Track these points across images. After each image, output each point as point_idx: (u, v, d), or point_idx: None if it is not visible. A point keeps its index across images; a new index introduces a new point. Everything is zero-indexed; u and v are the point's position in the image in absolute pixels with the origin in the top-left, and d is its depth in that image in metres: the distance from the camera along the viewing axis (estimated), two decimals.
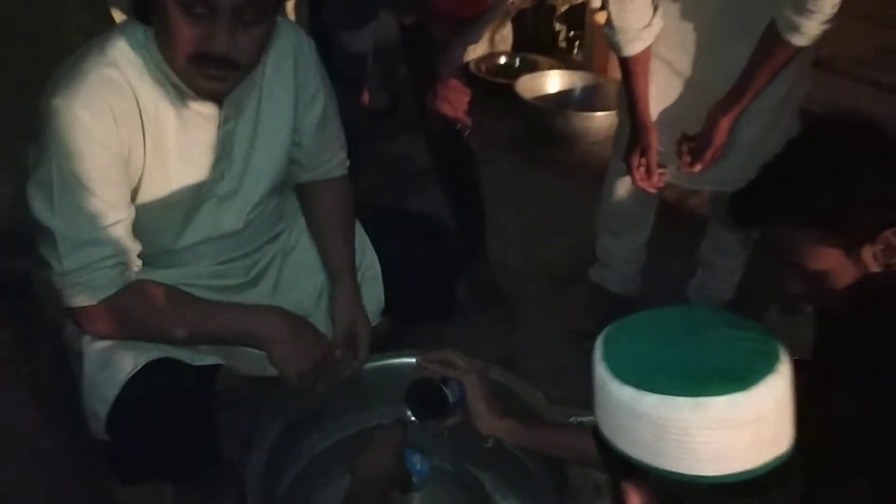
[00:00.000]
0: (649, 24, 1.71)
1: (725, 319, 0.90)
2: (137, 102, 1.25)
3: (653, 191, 1.90)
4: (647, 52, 1.77)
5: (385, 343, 1.70)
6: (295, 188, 1.60)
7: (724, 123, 1.73)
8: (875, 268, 1.18)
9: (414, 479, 1.39)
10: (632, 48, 1.74)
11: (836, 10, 1.54)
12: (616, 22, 1.72)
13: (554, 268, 2.39)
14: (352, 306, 1.52)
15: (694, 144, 1.78)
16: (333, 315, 1.52)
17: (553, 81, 3.34)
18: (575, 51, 3.80)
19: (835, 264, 1.19)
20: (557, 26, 3.86)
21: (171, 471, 1.38)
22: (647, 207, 2.07)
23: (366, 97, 2.23)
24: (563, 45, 3.88)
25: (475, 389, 1.36)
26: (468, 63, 3.37)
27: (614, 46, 1.77)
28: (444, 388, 1.35)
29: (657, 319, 0.91)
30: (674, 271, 2.25)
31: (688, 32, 1.73)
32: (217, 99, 1.31)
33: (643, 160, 1.85)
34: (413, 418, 1.40)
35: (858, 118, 1.23)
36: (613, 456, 0.87)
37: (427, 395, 1.37)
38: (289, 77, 1.41)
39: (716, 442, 0.80)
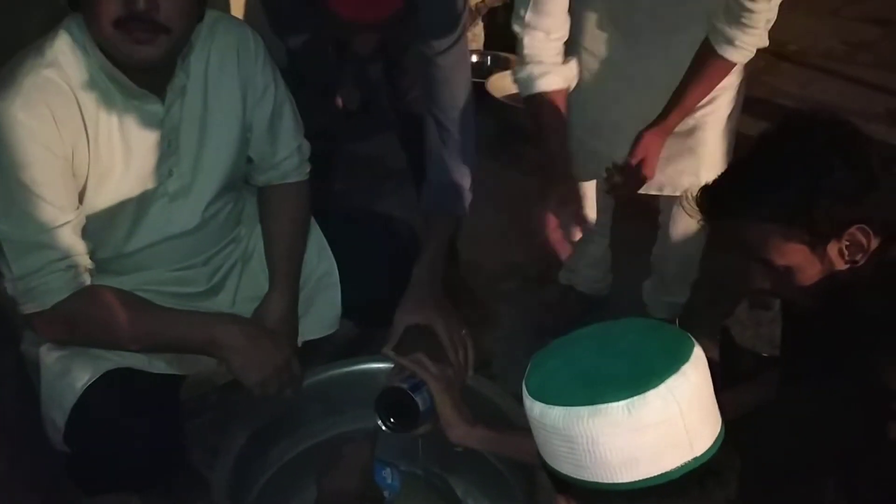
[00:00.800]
0: (564, 62, 1.61)
1: (642, 327, 0.90)
2: (78, 102, 1.24)
3: (566, 252, 1.61)
4: (563, 93, 1.62)
5: (353, 349, 1.68)
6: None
7: (654, 144, 1.64)
8: (840, 265, 1.19)
9: (385, 493, 1.37)
10: (545, 83, 1.59)
11: (769, 24, 1.51)
12: (526, 49, 1.59)
13: (526, 267, 2.38)
14: (276, 319, 1.48)
15: (622, 170, 1.65)
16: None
17: None
18: None
19: (800, 260, 1.19)
20: None
21: (133, 480, 1.36)
22: (603, 213, 2.04)
23: (339, 100, 2.20)
24: None
25: (445, 397, 1.35)
26: None
27: (521, 82, 1.63)
28: (414, 396, 1.34)
29: (580, 337, 0.92)
30: (643, 266, 2.25)
31: (621, 28, 1.68)
32: (151, 66, 1.28)
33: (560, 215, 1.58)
34: (383, 427, 1.38)
35: (828, 113, 1.23)
36: (546, 470, 0.88)
37: (397, 404, 1.36)
38: (233, 73, 1.41)
39: (622, 448, 0.80)
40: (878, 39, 4.15)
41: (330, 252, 1.61)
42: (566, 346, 0.90)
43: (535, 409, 0.84)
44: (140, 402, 1.27)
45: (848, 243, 1.16)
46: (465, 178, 1.64)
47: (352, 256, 1.61)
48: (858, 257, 1.17)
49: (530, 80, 1.60)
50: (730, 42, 1.52)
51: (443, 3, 1.55)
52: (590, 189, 2.01)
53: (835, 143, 1.17)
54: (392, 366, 1.46)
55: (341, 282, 1.61)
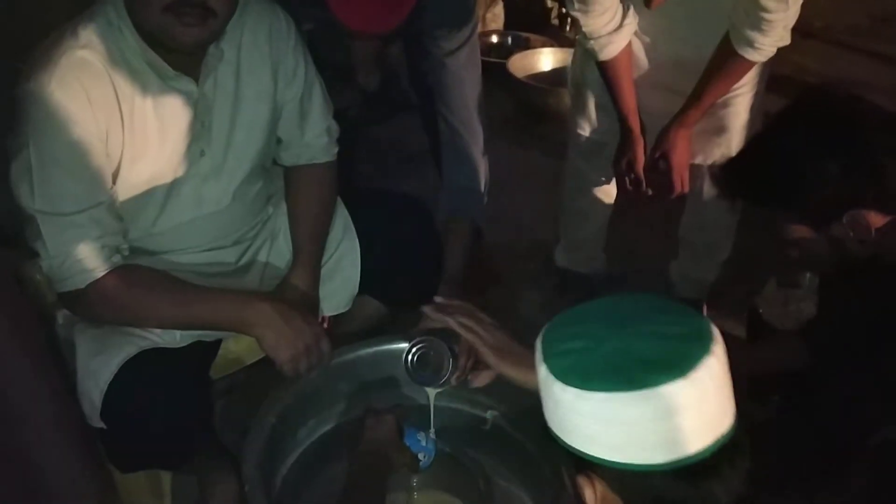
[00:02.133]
0: (620, 27, 1.68)
1: (652, 306, 0.90)
2: (112, 83, 1.25)
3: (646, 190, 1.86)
4: (625, 56, 1.73)
5: (379, 328, 1.69)
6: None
7: (681, 142, 1.73)
8: (852, 243, 1.20)
9: (421, 456, 1.39)
10: (606, 52, 1.71)
11: (788, 29, 1.56)
12: (584, 27, 1.69)
13: (548, 246, 2.38)
14: (298, 296, 1.50)
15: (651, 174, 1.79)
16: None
17: (545, 59, 3.32)
18: (567, 28, 3.77)
19: (807, 237, 1.24)
20: (549, 3, 3.84)
21: (166, 457, 1.38)
22: (610, 183, 2.05)
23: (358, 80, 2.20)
24: (555, 22, 3.85)
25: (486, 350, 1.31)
26: None
27: (591, 52, 1.74)
28: (446, 344, 1.35)
29: (589, 314, 0.91)
30: (636, 243, 2.26)
31: (667, 43, 1.74)
32: (197, 48, 1.29)
33: (631, 172, 1.82)
34: (413, 380, 1.40)
35: (838, 93, 1.24)
36: (566, 450, 0.87)
37: (425, 356, 1.38)
38: (265, 54, 1.41)
39: (663, 430, 0.81)
40: None
41: (354, 232, 1.62)
42: (582, 323, 0.89)
43: (568, 394, 0.83)
44: (172, 380, 1.28)
45: (849, 225, 1.18)
46: (478, 182, 1.67)
47: (374, 235, 1.62)
48: (866, 237, 1.18)
49: (594, 52, 1.73)
50: (749, 44, 1.57)
51: (451, 5, 1.56)
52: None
53: (824, 136, 1.19)
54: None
55: (364, 260, 1.62)
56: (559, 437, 0.87)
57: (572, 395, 0.82)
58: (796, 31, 3.99)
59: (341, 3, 1.30)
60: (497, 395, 1.57)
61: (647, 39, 1.77)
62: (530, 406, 1.49)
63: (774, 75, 3.54)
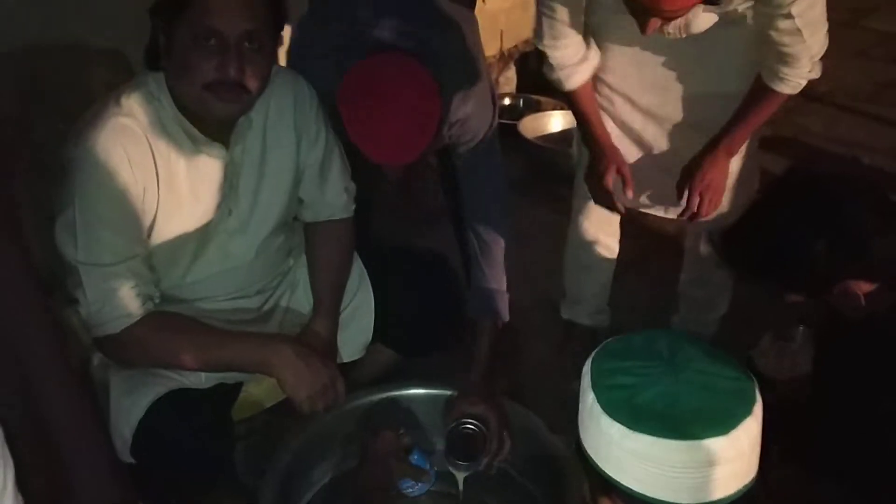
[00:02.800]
0: (585, 59, 1.81)
1: (703, 353, 0.98)
2: (150, 147, 1.37)
3: (620, 213, 1.96)
4: (588, 86, 1.86)
5: (392, 374, 1.78)
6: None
7: (724, 163, 1.81)
8: (844, 309, 1.29)
9: (428, 467, 1.55)
10: (572, 83, 1.83)
11: (815, 61, 1.65)
12: (552, 60, 1.81)
13: (555, 300, 2.46)
14: (319, 343, 1.58)
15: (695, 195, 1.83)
16: None
17: (555, 121, 3.44)
18: None
19: (804, 303, 1.33)
20: None
21: (189, 491, 1.47)
22: (612, 237, 2.15)
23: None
24: None
25: None
26: None
27: (555, 83, 1.86)
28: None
29: (639, 348, 0.98)
30: (642, 298, 2.34)
31: (644, 69, 1.82)
32: (232, 120, 1.42)
33: (609, 180, 1.88)
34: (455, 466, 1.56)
35: (818, 175, 1.33)
36: (595, 472, 0.95)
37: (465, 443, 1.53)
38: (290, 123, 1.53)
39: (695, 476, 0.88)
40: None
41: (369, 283, 1.73)
42: (632, 358, 0.95)
43: (613, 429, 0.89)
44: (196, 419, 1.38)
45: (839, 295, 1.26)
46: (502, 283, 1.76)
47: (388, 287, 1.73)
48: (855, 304, 1.26)
49: (560, 82, 1.85)
50: (777, 76, 1.67)
51: (468, 129, 1.68)
52: (615, 218, 2.12)
53: (810, 217, 1.27)
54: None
55: (380, 310, 1.72)
56: (592, 459, 0.94)
57: (618, 431, 0.89)
58: (801, 94, 4.11)
59: (363, 140, 1.42)
60: None
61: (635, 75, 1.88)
62: (536, 455, 1.59)
63: (778, 136, 3.68)
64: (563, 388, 2.09)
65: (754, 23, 1.64)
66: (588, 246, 2.16)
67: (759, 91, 1.72)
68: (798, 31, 1.56)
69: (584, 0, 1.73)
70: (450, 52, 1.59)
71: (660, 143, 1.90)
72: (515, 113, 3.57)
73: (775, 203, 1.35)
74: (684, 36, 1.67)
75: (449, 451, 1.54)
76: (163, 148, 1.39)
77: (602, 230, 2.13)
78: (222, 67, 1.31)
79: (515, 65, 3.80)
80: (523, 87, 3.79)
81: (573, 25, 1.75)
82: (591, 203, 2.04)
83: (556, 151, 3.20)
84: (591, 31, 1.82)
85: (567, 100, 1.92)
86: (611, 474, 0.92)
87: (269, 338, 1.52)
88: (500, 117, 3.52)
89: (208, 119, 1.39)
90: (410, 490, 1.52)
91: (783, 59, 1.65)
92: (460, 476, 1.55)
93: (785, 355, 1.88)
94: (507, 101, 3.71)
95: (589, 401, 0.93)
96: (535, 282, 2.60)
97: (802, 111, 3.94)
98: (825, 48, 1.66)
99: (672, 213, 2.02)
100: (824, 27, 1.63)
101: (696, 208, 1.83)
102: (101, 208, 1.33)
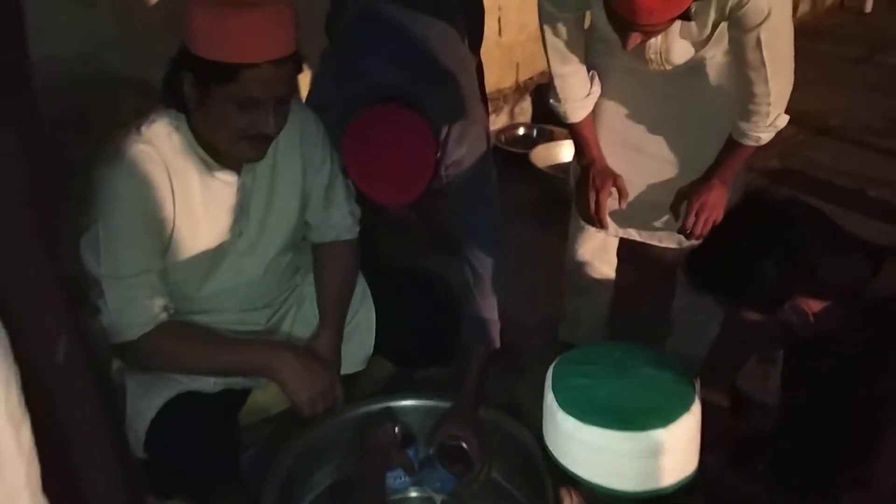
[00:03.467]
0: (589, 93, 1.94)
1: (651, 359, 1.10)
2: (168, 172, 1.49)
3: (605, 229, 2.04)
4: (589, 117, 1.98)
5: (392, 386, 1.89)
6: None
7: (719, 189, 1.89)
8: (795, 326, 1.36)
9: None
10: (577, 115, 1.95)
11: (775, 115, 1.76)
12: (561, 94, 1.93)
13: (555, 322, 2.56)
14: (324, 355, 1.69)
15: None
16: None
17: (567, 150, 3.53)
18: None
19: (760, 320, 1.39)
20: None
21: (196, 487, 1.58)
22: (608, 264, 2.25)
23: None
24: None
25: None
26: None
27: (561, 115, 1.97)
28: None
29: (596, 355, 1.11)
30: (639, 322, 2.42)
31: (637, 111, 1.95)
32: (257, 162, 1.56)
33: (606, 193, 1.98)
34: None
35: (776, 198, 1.42)
36: (555, 465, 1.06)
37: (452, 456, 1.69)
38: (296, 151, 1.65)
39: (639, 465, 1.00)
40: None
41: (371, 300, 1.84)
42: (588, 363, 1.08)
43: (568, 423, 1.01)
44: (204, 421, 1.50)
45: (792, 311, 1.34)
46: (493, 312, 1.86)
47: (389, 303, 1.84)
48: (808, 319, 1.34)
49: (566, 115, 1.97)
50: (746, 136, 1.81)
51: (465, 173, 1.79)
52: (612, 244, 2.21)
53: (766, 238, 1.34)
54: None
55: (381, 326, 1.83)
56: (552, 454, 1.06)
57: (571, 424, 1.01)
58: (811, 127, 4.19)
59: (366, 185, 1.56)
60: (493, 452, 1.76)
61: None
62: (526, 467, 1.69)
63: (786, 169, 3.74)
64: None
65: (729, 58, 1.76)
66: (585, 270, 2.26)
67: (731, 145, 1.85)
68: (762, 65, 1.67)
69: (584, 34, 1.86)
70: (447, 101, 1.73)
71: (649, 176, 2.01)
72: (529, 142, 3.69)
73: (732, 226, 1.44)
74: (668, 67, 1.79)
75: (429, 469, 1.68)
76: (179, 173, 1.51)
77: (598, 256, 2.23)
78: (260, 125, 1.44)
79: (531, 96, 3.92)
80: (538, 117, 3.92)
81: (576, 49, 1.87)
82: (588, 228, 2.15)
83: (564, 180, 3.28)
84: (592, 69, 1.95)
85: (568, 127, 2.04)
86: (566, 465, 1.04)
87: (273, 344, 1.64)
88: (513, 146, 3.70)
89: (234, 159, 1.52)
90: (397, 481, 1.63)
91: (745, 115, 1.77)
92: (438, 498, 1.67)
93: (771, 378, 1.97)
94: (521, 131, 3.84)
95: (549, 400, 1.06)
96: (539, 304, 2.70)
97: (813, 145, 4.01)
98: (786, 96, 1.76)
99: (666, 242, 2.12)
100: (788, 69, 1.74)
101: (691, 227, 1.92)
102: (122, 226, 1.46)
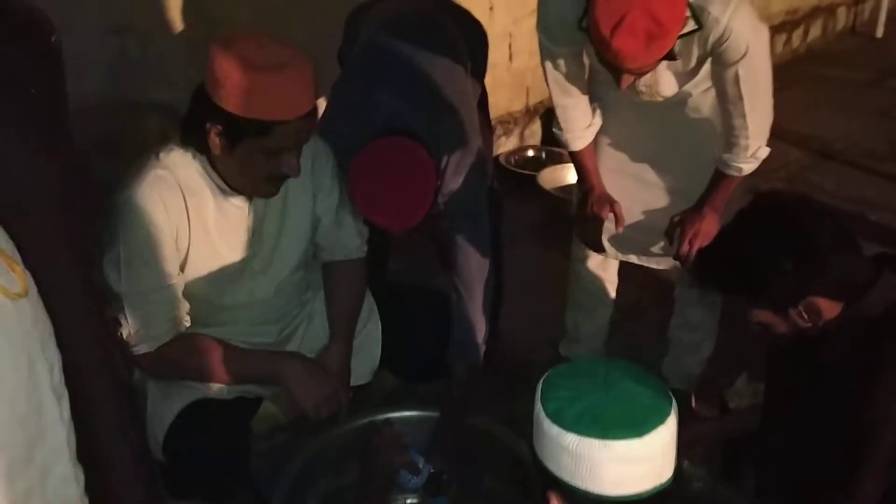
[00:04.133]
0: (591, 124, 2.05)
1: (634, 374, 1.19)
2: (183, 196, 1.60)
3: (603, 251, 2.16)
4: (591, 145, 2.09)
5: (396, 399, 2.00)
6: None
7: (711, 217, 1.99)
8: (803, 324, 1.43)
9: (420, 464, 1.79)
10: (579, 144, 2.06)
11: (755, 146, 1.86)
12: (563, 124, 2.04)
13: (557, 340, 2.65)
14: (333, 367, 1.79)
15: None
16: None
17: (574, 173, 3.63)
18: None
19: (769, 320, 1.46)
20: None
21: (211, 488, 1.69)
22: (608, 284, 2.35)
23: None
24: None
25: None
26: (498, 156, 3.72)
27: (564, 143, 2.09)
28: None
29: (584, 369, 1.19)
30: (637, 341, 2.51)
31: (636, 141, 2.06)
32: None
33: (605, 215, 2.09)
34: None
35: (789, 197, 1.49)
36: (542, 470, 1.15)
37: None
38: (307, 177, 1.75)
39: (616, 472, 1.08)
40: None
41: (378, 316, 1.95)
42: (574, 377, 1.15)
43: (553, 430, 1.08)
44: (218, 426, 1.62)
45: (804, 309, 1.41)
46: (478, 335, 1.95)
47: (395, 320, 1.94)
48: (818, 320, 1.41)
49: (568, 143, 2.09)
50: (729, 167, 1.92)
51: (460, 201, 1.90)
52: (612, 264, 2.31)
53: (783, 237, 1.41)
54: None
55: (387, 341, 1.93)
56: (539, 459, 1.14)
57: (556, 431, 1.09)
58: (816, 151, 4.26)
59: (370, 212, 1.69)
60: (489, 463, 1.85)
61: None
62: (520, 478, 1.78)
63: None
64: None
65: (713, 90, 1.87)
66: (586, 289, 2.36)
67: (717, 172, 1.96)
68: (740, 100, 1.77)
69: (586, 66, 1.96)
70: (448, 133, 1.85)
71: (646, 203, 2.12)
72: (539, 164, 3.80)
73: (746, 225, 1.48)
74: (660, 99, 1.89)
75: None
76: (194, 197, 1.62)
77: (598, 276, 2.33)
78: (284, 169, 1.56)
79: (540, 119, 4.03)
80: (548, 140, 4.01)
81: (576, 81, 1.97)
82: (587, 250, 2.25)
83: (569, 201, 3.39)
84: (594, 100, 2.05)
85: (570, 155, 2.15)
86: (551, 468, 1.13)
87: (281, 354, 1.76)
88: (523, 168, 3.79)
89: (246, 193, 1.63)
90: (407, 483, 1.73)
91: (727, 146, 1.88)
92: None
93: (758, 396, 2.05)
94: (530, 153, 3.95)
95: (537, 409, 1.15)
96: (545, 321, 2.78)
97: (817, 169, 4.09)
98: (764, 130, 1.86)
99: (663, 264, 2.22)
100: (765, 105, 1.84)
101: (685, 253, 2.01)
102: (141, 246, 1.57)
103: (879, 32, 5.90)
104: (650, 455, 1.08)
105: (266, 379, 1.70)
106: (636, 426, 1.08)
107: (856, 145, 4.23)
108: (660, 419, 1.09)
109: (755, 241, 1.44)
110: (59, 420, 0.88)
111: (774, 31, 5.34)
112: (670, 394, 1.15)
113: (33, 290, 0.85)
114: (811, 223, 1.42)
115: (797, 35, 5.56)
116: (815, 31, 5.74)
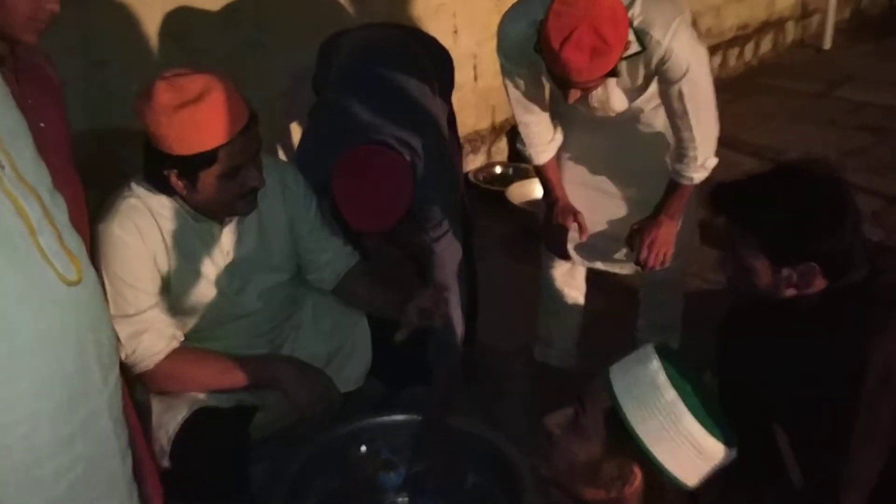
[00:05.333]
0: (552, 139, 2.19)
1: (709, 392, 1.38)
2: (157, 223, 1.70)
3: (568, 259, 2.31)
4: (553, 159, 2.22)
5: (387, 404, 2.12)
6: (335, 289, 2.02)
7: (667, 224, 2.15)
8: (785, 287, 1.44)
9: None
10: (542, 158, 2.20)
11: (704, 157, 2.01)
12: (526, 140, 2.18)
13: (533, 347, 2.77)
14: None
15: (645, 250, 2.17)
16: None
17: (540, 187, 3.77)
18: None
19: (759, 268, 1.46)
20: None
21: (212, 492, 1.76)
22: (576, 290, 2.50)
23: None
24: None
25: None
26: (468, 173, 3.85)
27: (528, 158, 2.22)
28: None
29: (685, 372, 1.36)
30: (605, 344, 2.64)
31: (595, 154, 2.21)
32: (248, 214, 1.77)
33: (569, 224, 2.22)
34: None
35: (816, 169, 1.49)
36: (636, 443, 1.29)
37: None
38: (280, 201, 1.86)
39: (700, 465, 1.28)
40: (871, 146, 4.46)
41: (366, 323, 2.07)
42: (681, 372, 1.33)
43: (692, 427, 1.26)
44: (219, 434, 1.73)
45: (798, 274, 1.42)
46: (456, 339, 2.07)
47: (382, 331, 2.03)
48: (805, 289, 1.44)
49: (531, 158, 2.22)
50: (681, 176, 2.07)
51: (434, 208, 2.01)
52: (580, 272, 2.46)
53: (826, 196, 1.42)
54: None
55: (375, 350, 2.05)
56: (632, 426, 1.28)
57: (697, 430, 1.27)
58: (770, 159, 4.45)
59: (349, 209, 1.78)
60: (474, 461, 1.97)
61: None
62: (500, 470, 1.89)
63: None
64: (533, 419, 2.39)
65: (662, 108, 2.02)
66: (556, 296, 2.50)
67: (670, 182, 2.11)
68: (686, 114, 1.93)
69: (545, 86, 2.10)
70: (423, 145, 1.98)
71: (607, 213, 2.27)
72: (507, 180, 3.93)
73: (790, 178, 1.47)
74: (612, 114, 2.04)
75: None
76: (167, 223, 1.72)
77: (567, 283, 2.47)
78: (249, 182, 1.66)
79: (507, 136, 4.17)
80: (514, 156, 4.13)
81: (536, 99, 2.11)
82: (556, 258, 2.39)
83: (537, 214, 3.52)
84: (555, 117, 2.19)
85: (535, 169, 2.30)
86: (642, 438, 1.28)
87: (275, 357, 1.88)
88: (491, 184, 3.92)
89: (225, 215, 1.73)
90: (387, 482, 1.84)
91: (678, 158, 2.03)
92: None
93: None
94: (498, 170, 4.08)
95: (661, 378, 1.30)
96: (518, 330, 2.91)
97: None
98: (710, 142, 2.01)
99: (626, 270, 2.36)
100: (710, 118, 1.99)
101: (644, 259, 2.17)
102: (121, 271, 1.66)
103: (827, 44, 6.10)
104: (719, 461, 1.28)
105: (261, 382, 1.80)
106: (725, 436, 1.28)
107: (807, 152, 4.38)
108: (732, 438, 1.30)
109: (801, 187, 1.43)
110: (103, 385, 1.02)
111: (727, 45, 5.56)
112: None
113: (90, 280, 0.98)
114: (851, 199, 1.44)
115: (749, 49, 5.77)
116: (766, 44, 5.95)
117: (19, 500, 0.90)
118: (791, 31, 6.18)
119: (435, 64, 2.30)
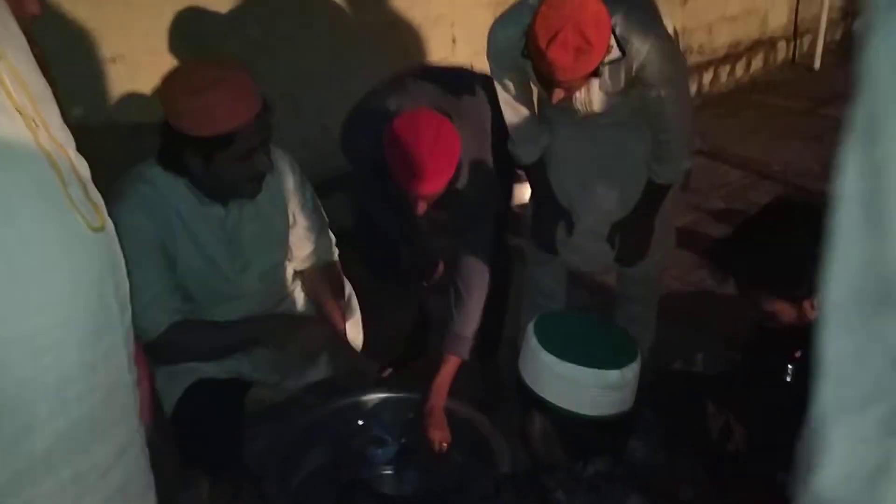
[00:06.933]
0: (539, 140, 2.29)
1: (606, 325, 1.52)
2: (165, 205, 1.80)
3: (556, 254, 2.41)
4: (541, 159, 2.33)
5: (383, 382, 2.24)
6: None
7: (645, 221, 2.28)
8: (811, 314, 1.52)
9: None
10: (531, 158, 2.32)
11: (681, 158, 2.13)
12: (515, 140, 2.28)
13: (517, 340, 2.85)
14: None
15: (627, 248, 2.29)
16: None
17: (528, 191, 3.88)
18: None
19: (781, 309, 1.56)
20: None
21: (211, 456, 1.89)
22: (559, 284, 2.62)
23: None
24: None
25: None
26: None
27: (516, 157, 2.32)
28: None
29: (568, 317, 1.53)
30: None
31: (580, 154, 2.31)
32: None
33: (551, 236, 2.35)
34: None
35: (808, 203, 1.58)
36: (529, 394, 1.41)
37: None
38: (279, 189, 1.98)
39: (597, 395, 1.36)
40: None
41: (356, 303, 2.21)
42: (561, 322, 1.45)
43: (548, 359, 1.35)
44: (218, 402, 1.85)
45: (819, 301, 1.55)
46: (469, 330, 2.17)
47: (375, 313, 2.19)
48: None
49: (520, 157, 2.31)
50: (657, 175, 2.19)
51: (468, 203, 2.12)
52: (563, 271, 2.59)
53: (808, 229, 1.53)
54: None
55: (365, 330, 2.18)
56: (527, 383, 1.40)
57: (551, 360, 1.36)
58: (755, 172, 4.55)
59: (402, 170, 1.87)
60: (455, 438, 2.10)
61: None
62: (476, 441, 2.00)
63: (731, 210, 4.08)
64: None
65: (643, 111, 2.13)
66: (540, 290, 2.62)
67: (649, 182, 2.23)
68: (663, 118, 2.06)
69: (533, 90, 2.23)
70: (467, 115, 2.09)
71: (592, 210, 2.37)
72: None
73: (775, 221, 1.55)
74: (596, 113, 2.16)
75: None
76: (176, 206, 1.82)
77: (552, 278, 2.59)
78: (258, 166, 1.77)
79: None
80: None
81: (524, 102, 2.23)
82: (540, 256, 2.51)
83: (525, 215, 3.63)
84: (543, 121, 2.32)
85: (524, 168, 2.41)
86: (539, 392, 1.39)
87: (265, 316, 1.98)
88: None
89: (231, 196, 1.85)
90: (375, 456, 1.96)
91: (655, 159, 2.15)
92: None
93: (710, 367, 2.28)
94: None
95: (533, 342, 1.41)
96: (506, 325, 3.02)
97: (756, 188, 4.38)
98: (686, 144, 2.14)
99: (605, 270, 2.49)
100: (685, 121, 2.11)
101: (623, 256, 2.30)
102: (132, 253, 1.70)
103: (817, 65, 6.24)
104: (622, 384, 1.36)
105: (258, 339, 1.90)
106: (615, 361, 1.37)
107: (792, 167, 4.53)
108: (631, 358, 1.38)
109: (796, 236, 1.43)
110: (120, 322, 1.14)
111: (719, 62, 5.71)
112: (635, 340, 1.42)
113: (110, 228, 1.12)
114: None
115: (740, 66, 5.92)
116: (757, 63, 6.10)
117: (50, 419, 1.02)
118: (782, 51, 6.33)
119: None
